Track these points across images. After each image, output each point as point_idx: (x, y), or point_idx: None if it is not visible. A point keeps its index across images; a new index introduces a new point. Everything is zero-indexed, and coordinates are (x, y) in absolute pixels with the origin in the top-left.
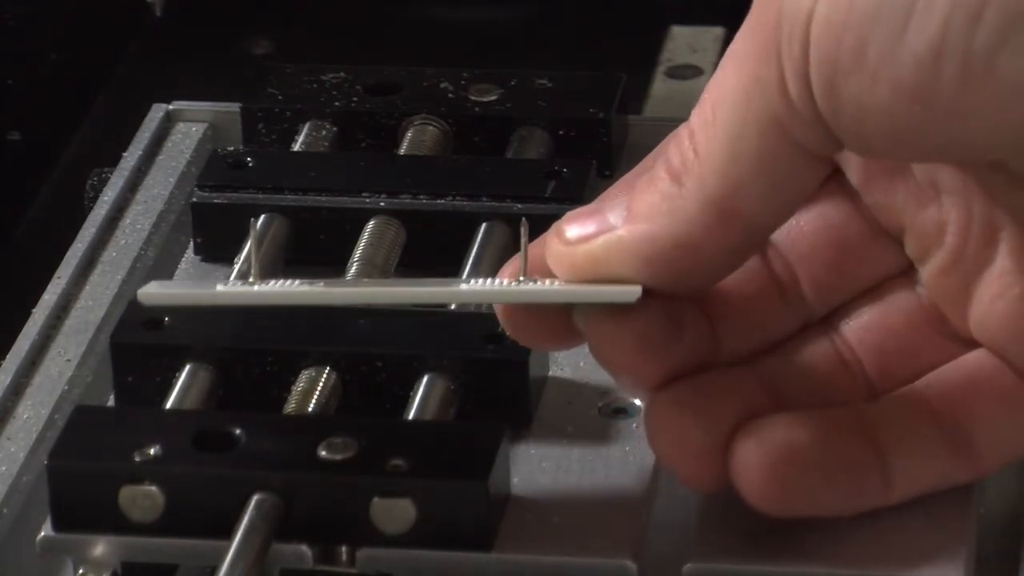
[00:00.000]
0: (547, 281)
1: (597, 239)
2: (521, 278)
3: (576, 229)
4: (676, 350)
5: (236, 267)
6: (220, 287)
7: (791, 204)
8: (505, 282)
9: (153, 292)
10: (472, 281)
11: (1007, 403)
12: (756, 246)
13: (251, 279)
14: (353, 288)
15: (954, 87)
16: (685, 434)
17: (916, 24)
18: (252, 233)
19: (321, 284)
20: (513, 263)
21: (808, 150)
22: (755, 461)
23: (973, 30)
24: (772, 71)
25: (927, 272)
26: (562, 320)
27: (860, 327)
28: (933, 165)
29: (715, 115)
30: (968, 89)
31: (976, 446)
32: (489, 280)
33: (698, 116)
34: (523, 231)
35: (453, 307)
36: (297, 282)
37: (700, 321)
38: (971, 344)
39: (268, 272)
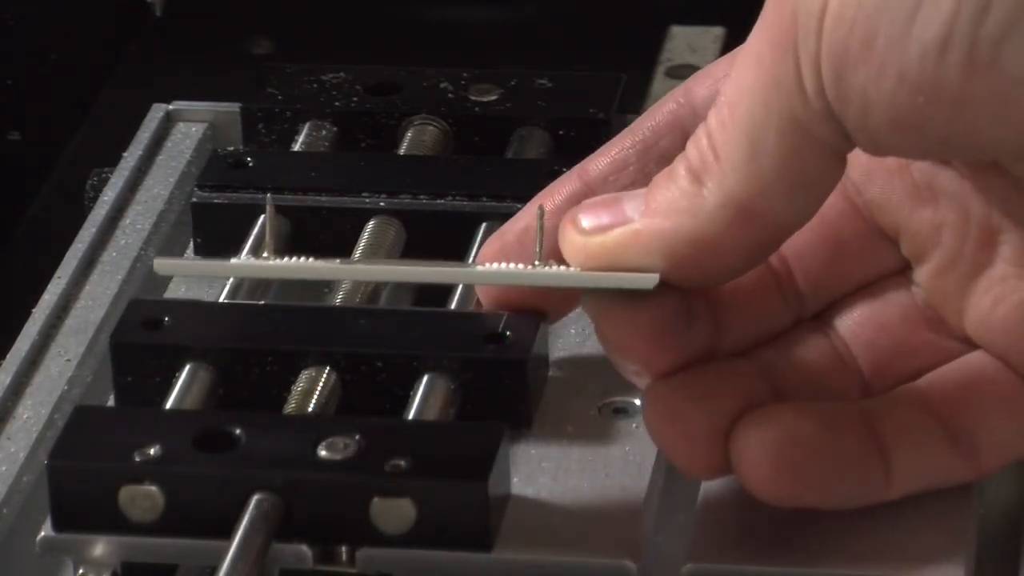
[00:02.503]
0: (562, 266)
1: (613, 230)
2: (536, 263)
3: (591, 219)
4: (687, 340)
5: (247, 245)
6: (235, 260)
7: (811, 204)
8: (521, 266)
9: (168, 263)
10: (487, 264)
11: (1009, 404)
12: (773, 246)
13: (265, 254)
14: (367, 266)
15: (958, 77)
16: (686, 418)
17: (924, 14)
18: (267, 209)
19: (337, 261)
20: (493, 243)
21: (827, 147)
22: (758, 449)
23: (981, 21)
24: (789, 68)
25: (923, 272)
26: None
27: (854, 324)
28: (932, 166)
29: (732, 115)
30: (972, 79)
31: (977, 445)
32: (504, 264)
33: (715, 116)
34: (539, 217)
35: (454, 306)
36: (311, 259)
37: (706, 312)
38: (966, 343)
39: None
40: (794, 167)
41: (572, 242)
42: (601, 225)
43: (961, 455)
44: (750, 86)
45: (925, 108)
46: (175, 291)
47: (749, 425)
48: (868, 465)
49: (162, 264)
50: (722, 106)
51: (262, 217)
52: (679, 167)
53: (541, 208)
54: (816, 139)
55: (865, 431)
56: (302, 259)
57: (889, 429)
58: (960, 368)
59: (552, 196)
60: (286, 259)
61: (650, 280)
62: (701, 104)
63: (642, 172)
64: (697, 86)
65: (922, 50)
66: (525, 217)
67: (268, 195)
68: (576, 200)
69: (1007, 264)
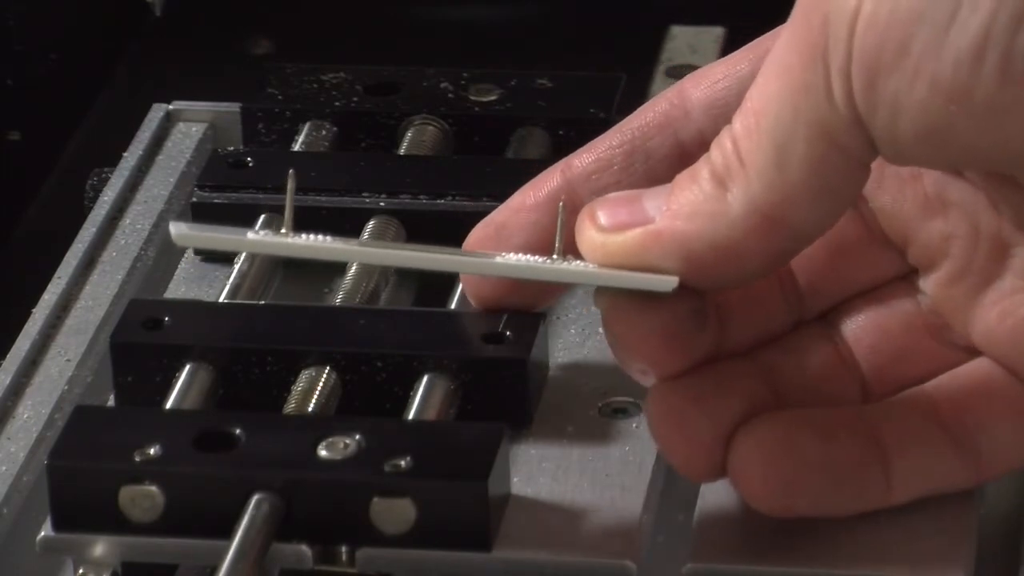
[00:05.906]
0: (578, 262)
1: (633, 230)
2: (554, 256)
3: (610, 216)
4: (699, 343)
5: (259, 221)
6: (251, 235)
7: (835, 212)
8: (539, 259)
9: (185, 233)
10: (505, 255)
11: (1014, 411)
12: (793, 253)
13: (283, 230)
14: (385, 249)
15: (992, 85)
16: (689, 421)
17: (960, 21)
18: (288, 185)
19: (355, 242)
20: (478, 230)
21: (853, 155)
22: (754, 461)
23: (1016, 30)
24: (819, 76)
25: (930, 281)
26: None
27: (858, 328)
28: (943, 178)
29: (759, 122)
30: (1005, 87)
31: (980, 452)
32: (522, 256)
33: (741, 122)
34: (560, 211)
35: (453, 306)
36: (329, 238)
37: (713, 313)
38: (970, 351)
39: (266, 274)
40: (820, 175)
41: (590, 239)
42: (620, 223)
43: (963, 461)
44: (778, 92)
45: (956, 117)
46: (175, 291)
47: (744, 435)
48: (867, 473)
49: (180, 235)
50: (748, 112)
51: (262, 216)
52: (703, 170)
53: (562, 203)
54: (843, 147)
55: (865, 438)
56: (320, 237)
57: (890, 435)
58: (964, 375)
59: (535, 190)
60: (304, 236)
61: (670, 283)
62: (695, 106)
63: (626, 172)
64: (692, 87)
65: (956, 58)
66: (506, 212)
67: (291, 171)
68: (556, 197)
69: (1017, 277)
